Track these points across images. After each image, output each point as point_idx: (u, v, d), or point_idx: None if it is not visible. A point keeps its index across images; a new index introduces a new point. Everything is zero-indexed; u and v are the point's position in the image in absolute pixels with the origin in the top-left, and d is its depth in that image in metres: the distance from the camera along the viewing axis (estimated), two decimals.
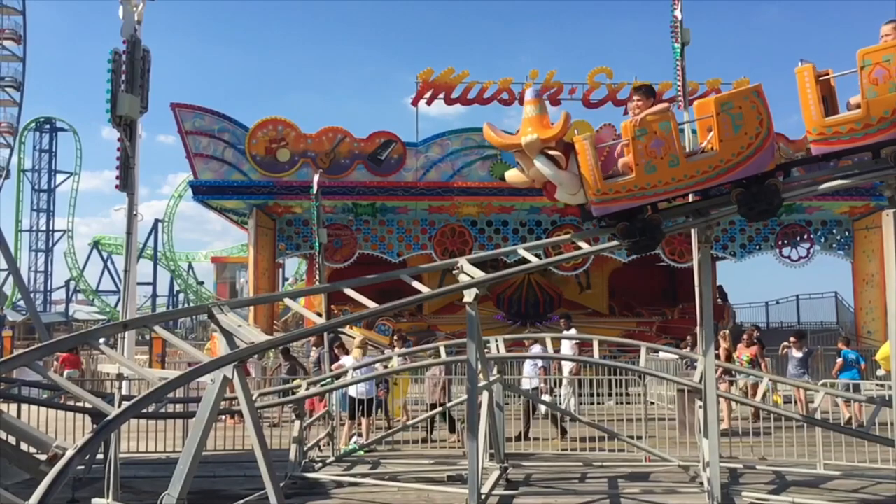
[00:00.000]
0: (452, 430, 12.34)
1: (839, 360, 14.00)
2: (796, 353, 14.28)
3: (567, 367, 14.18)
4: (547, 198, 7.43)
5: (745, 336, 14.98)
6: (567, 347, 14.62)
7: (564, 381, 14.06)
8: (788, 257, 21.50)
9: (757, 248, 21.49)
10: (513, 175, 7.32)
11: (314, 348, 14.83)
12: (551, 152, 6.78)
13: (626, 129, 6.60)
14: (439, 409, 11.85)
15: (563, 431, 12.16)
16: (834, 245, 21.66)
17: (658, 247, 7.30)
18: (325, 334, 12.25)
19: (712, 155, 6.45)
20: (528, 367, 12.96)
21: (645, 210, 6.87)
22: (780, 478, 9.46)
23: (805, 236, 21.49)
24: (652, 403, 14.21)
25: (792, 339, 14.69)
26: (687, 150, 6.98)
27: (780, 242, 21.40)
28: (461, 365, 12.38)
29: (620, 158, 6.88)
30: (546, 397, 12.49)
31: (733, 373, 12.78)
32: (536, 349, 12.83)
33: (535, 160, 6.79)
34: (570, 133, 7.15)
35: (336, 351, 13.16)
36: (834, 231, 21.63)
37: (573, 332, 14.69)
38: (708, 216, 7.22)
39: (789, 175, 6.96)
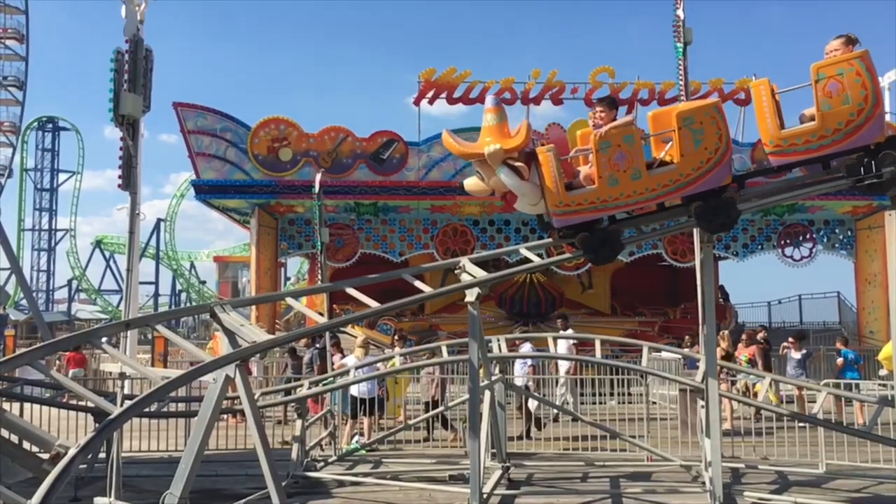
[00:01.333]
0: (446, 426, 12.36)
1: (839, 360, 13.99)
2: (794, 354, 14.26)
3: (563, 366, 14.19)
4: (507, 207, 7.43)
5: (743, 336, 14.96)
6: (563, 347, 14.61)
7: (560, 381, 14.06)
8: (791, 257, 21.46)
9: (759, 247, 21.46)
10: (472, 184, 7.20)
11: (306, 348, 14.84)
12: (514, 163, 6.72)
13: (591, 141, 6.64)
14: (441, 408, 11.85)
15: (538, 424, 12.24)
16: (836, 245, 21.62)
17: (616, 257, 7.27)
18: (327, 334, 12.26)
19: (673, 169, 6.54)
20: (518, 366, 12.94)
21: (603, 221, 6.93)
22: (783, 478, 9.45)
23: (807, 236, 21.45)
24: (654, 403, 14.20)
25: (791, 339, 14.67)
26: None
27: (782, 242, 21.36)
28: (461, 364, 12.40)
29: (582, 169, 6.91)
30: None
31: (733, 373, 12.77)
32: (526, 348, 12.83)
33: (498, 171, 6.71)
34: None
35: (332, 349, 13.18)
36: (836, 231, 21.58)
37: (570, 331, 14.69)
38: (664, 228, 7.31)
39: (743, 187, 7.03)
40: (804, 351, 14.30)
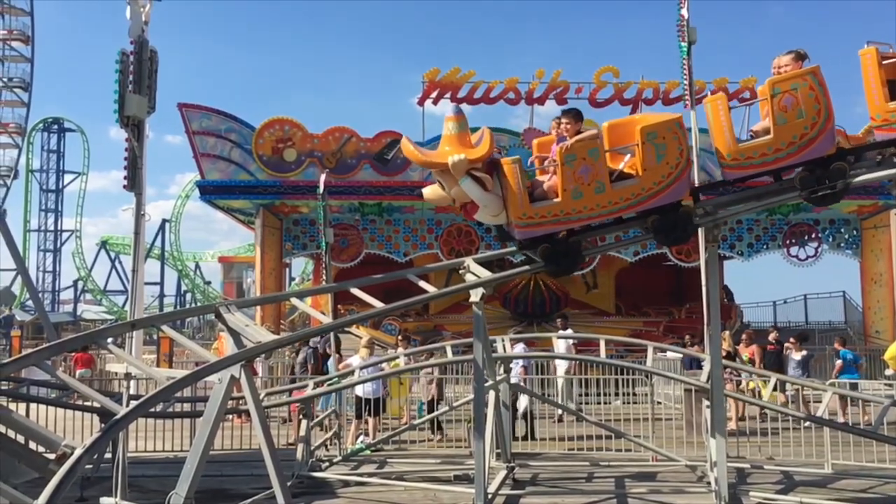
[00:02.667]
0: (439, 428, 12.37)
1: (838, 362, 13.95)
2: (795, 356, 14.21)
3: (562, 366, 14.20)
4: (465, 217, 7.43)
5: (743, 336, 14.92)
6: (563, 347, 14.59)
7: (559, 381, 14.07)
8: (796, 256, 21.42)
9: (764, 247, 21.42)
10: (432, 193, 7.10)
11: (301, 348, 14.86)
12: (478, 174, 6.64)
13: (557, 153, 6.64)
14: (446, 409, 11.86)
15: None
16: (842, 244, 21.56)
17: (576, 269, 7.27)
18: (333, 334, 12.28)
19: (635, 182, 6.60)
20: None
21: (571, 233, 6.92)
22: (788, 478, 9.43)
23: (813, 235, 21.41)
24: (659, 403, 14.18)
25: (791, 339, 14.62)
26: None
27: (787, 241, 21.32)
28: (463, 364, 12.40)
29: (542, 179, 6.90)
30: (524, 398, 12.42)
31: (738, 372, 12.74)
32: (519, 349, 12.81)
33: (461, 182, 6.61)
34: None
35: (329, 350, 13.22)
36: (842, 230, 21.53)
37: (570, 331, 14.68)
38: (626, 240, 7.33)
39: (698, 200, 7.08)
40: (804, 352, 14.23)
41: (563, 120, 7.02)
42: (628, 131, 6.92)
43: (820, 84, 6.29)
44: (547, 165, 6.98)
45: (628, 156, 6.69)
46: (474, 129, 6.86)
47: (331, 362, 12.99)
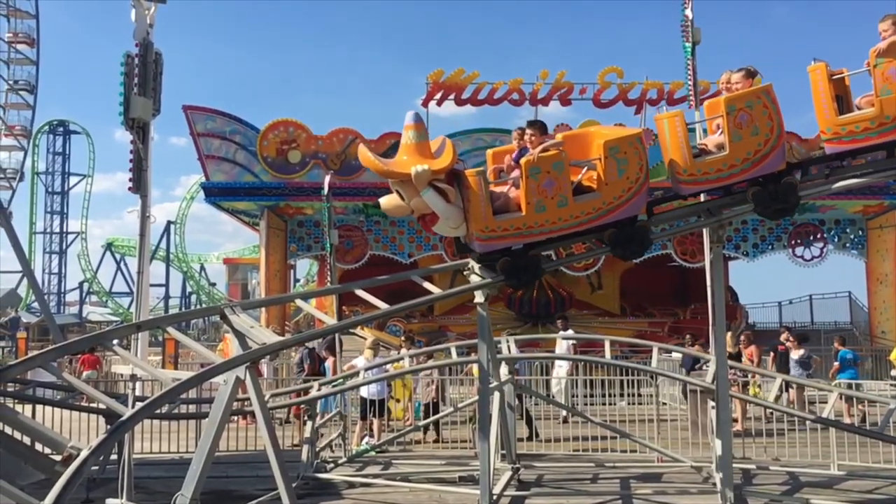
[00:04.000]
0: (435, 429, 12.37)
1: (836, 364, 13.92)
2: (793, 355, 14.17)
3: (564, 367, 14.20)
4: (424, 229, 7.40)
5: (742, 337, 14.88)
6: (563, 348, 14.57)
7: (553, 382, 14.08)
8: (801, 257, 21.37)
9: (770, 247, 21.37)
10: (389, 203, 6.91)
11: (298, 349, 14.88)
12: (440, 185, 6.50)
13: (521, 166, 6.58)
14: (450, 410, 11.85)
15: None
16: (847, 244, 21.50)
17: (535, 282, 7.24)
18: (335, 336, 12.28)
19: (597, 197, 6.60)
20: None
21: (529, 247, 6.84)
22: (794, 479, 9.40)
23: (818, 235, 21.35)
24: (664, 404, 14.15)
25: (791, 338, 14.59)
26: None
27: (793, 242, 21.27)
28: (466, 365, 12.39)
29: (499, 190, 6.81)
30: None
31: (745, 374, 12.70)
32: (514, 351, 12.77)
33: (423, 193, 6.46)
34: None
35: (324, 353, 13.24)
36: (847, 230, 21.47)
37: (571, 332, 14.67)
38: (585, 253, 7.32)
39: (651, 214, 7.08)
40: (802, 351, 14.18)
41: (529, 131, 6.96)
42: (583, 143, 6.98)
43: (773, 102, 6.47)
44: (508, 177, 6.89)
45: (585, 168, 6.69)
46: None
47: (328, 364, 13.02)
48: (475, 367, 12.57)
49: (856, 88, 6.68)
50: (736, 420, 11.85)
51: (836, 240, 21.45)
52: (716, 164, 6.57)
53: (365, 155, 6.69)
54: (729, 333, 13.94)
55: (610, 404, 13.56)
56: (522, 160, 6.64)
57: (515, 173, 6.88)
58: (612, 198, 6.57)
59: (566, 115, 29.35)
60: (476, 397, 12.53)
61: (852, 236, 21.48)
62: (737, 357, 13.13)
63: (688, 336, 16.10)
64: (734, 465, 8.31)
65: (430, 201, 6.50)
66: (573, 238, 7.01)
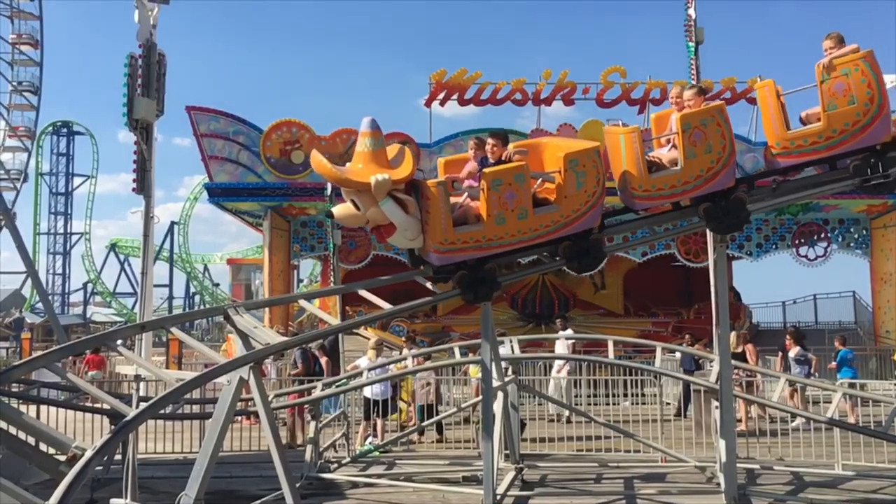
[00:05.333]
0: (440, 430, 12.37)
1: (832, 363, 13.89)
2: (790, 353, 14.15)
3: (564, 367, 14.20)
4: (378, 240, 7.33)
5: (733, 335, 14.84)
6: (561, 348, 14.56)
7: (552, 383, 14.09)
8: (805, 256, 21.32)
9: (773, 247, 21.32)
10: (343, 212, 6.61)
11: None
12: (401, 195, 6.33)
13: (483, 178, 6.52)
14: (453, 410, 11.85)
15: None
16: (851, 244, 21.44)
17: (492, 296, 7.12)
18: (340, 336, 12.30)
19: (556, 210, 6.58)
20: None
21: (484, 260, 6.76)
22: (798, 478, 9.39)
23: (822, 235, 21.30)
24: (668, 404, 14.14)
25: (787, 336, 14.57)
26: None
27: (796, 241, 21.22)
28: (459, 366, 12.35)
29: (458, 202, 6.71)
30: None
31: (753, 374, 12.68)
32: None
33: (382, 203, 6.25)
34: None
35: (317, 352, 13.28)
36: (851, 230, 21.41)
37: (569, 331, 14.66)
38: (539, 266, 7.44)
39: (603, 227, 7.09)
40: (797, 349, 14.13)
41: (491, 141, 6.90)
42: (534, 154, 6.98)
43: (726, 121, 6.62)
44: (468, 189, 6.76)
45: (540, 179, 6.68)
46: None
47: (323, 363, 13.06)
48: (472, 368, 12.61)
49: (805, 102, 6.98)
50: (740, 420, 11.83)
51: (840, 239, 21.39)
52: (671, 181, 6.71)
53: (319, 161, 6.45)
54: (734, 333, 13.93)
55: (613, 404, 13.54)
56: (484, 171, 6.53)
57: (467, 183, 6.81)
58: (571, 211, 6.57)
59: (569, 115, 29.28)
60: (475, 397, 12.62)
61: (856, 236, 21.41)
62: (741, 357, 13.11)
63: (686, 336, 16.09)
64: (738, 464, 8.30)
65: (390, 212, 6.32)
66: (528, 251, 6.94)
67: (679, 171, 6.62)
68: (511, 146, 7.15)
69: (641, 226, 7.71)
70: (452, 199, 6.74)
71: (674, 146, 6.87)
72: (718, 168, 6.60)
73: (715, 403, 8.86)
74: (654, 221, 7.57)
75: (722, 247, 7.85)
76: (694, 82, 10.82)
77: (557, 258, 7.02)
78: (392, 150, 6.54)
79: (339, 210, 6.66)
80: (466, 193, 6.75)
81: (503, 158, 6.90)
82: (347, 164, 6.55)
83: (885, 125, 6.54)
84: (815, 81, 6.58)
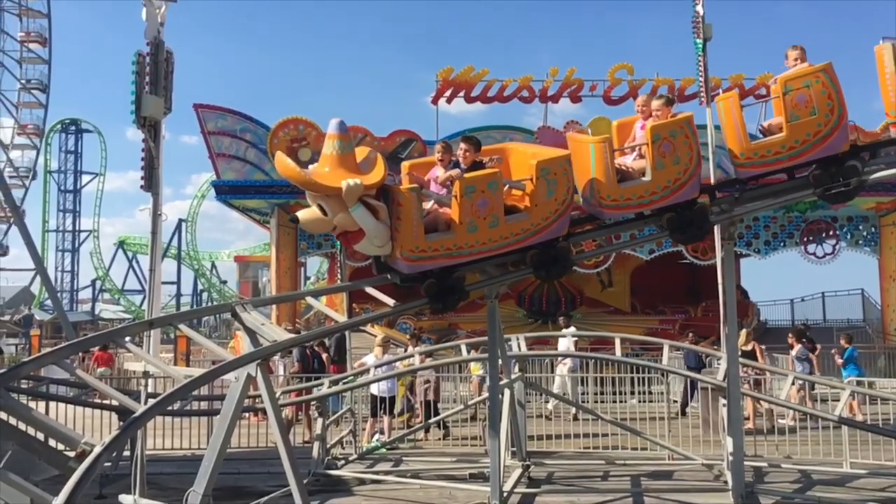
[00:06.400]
0: (441, 426, 12.38)
1: (840, 360, 13.84)
2: (792, 351, 14.11)
3: (565, 365, 14.18)
4: (344, 245, 7.19)
5: (745, 333, 14.81)
6: (564, 345, 14.55)
7: (556, 381, 14.07)
8: (814, 254, 21.24)
9: (782, 244, 21.24)
10: (308, 217, 6.28)
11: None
12: (372, 201, 6.08)
13: (455, 186, 6.36)
14: (460, 408, 11.87)
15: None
16: (860, 241, 21.34)
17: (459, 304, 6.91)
18: (347, 333, 12.31)
19: (526, 218, 6.51)
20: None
21: (452, 269, 6.55)
22: (806, 476, 9.37)
23: (831, 232, 21.21)
24: (675, 401, 14.11)
25: (790, 334, 14.51)
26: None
27: (805, 239, 21.14)
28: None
29: (431, 207, 6.50)
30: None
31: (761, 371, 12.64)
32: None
33: (353, 209, 6.00)
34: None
35: (317, 349, 13.31)
36: (860, 227, 21.31)
37: (572, 329, 14.65)
38: (506, 275, 7.28)
39: (570, 235, 7.05)
40: (799, 346, 14.10)
41: (463, 146, 6.78)
42: (506, 154, 6.95)
43: (693, 133, 6.66)
44: (439, 196, 6.55)
45: (507, 186, 6.58)
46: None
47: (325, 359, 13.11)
48: (473, 365, 12.61)
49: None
50: (747, 418, 11.80)
51: (848, 237, 21.30)
52: (639, 191, 6.68)
53: (283, 163, 6.14)
54: (744, 331, 13.88)
55: (621, 402, 13.53)
56: (458, 179, 6.33)
57: (437, 189, 6.66)
58: (541, 219, 6.50)
59: (576, 113, 29.27)
60: (475, 394, 12.63)
61: (865, 233, 21.31)
62: (752, 354, 13.07)
63: (689, 334, 16.06)
64: (746, 462, 8.29)
65: (360, 218, 6.06)
66: (495, 260, 6.80)
67: (648, 181, 6.64)
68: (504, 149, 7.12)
69: (604, 234, 7.79)
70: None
71: (640, 155, 6.88)
72: (685, 179, 6.66)
73: (722, 401, 8.84)
74: (616, 230, 7.62)
75: (730, 244, 7.83)
76: (702, 76, 10.72)
77: (524, 266, 6.91)
78: (361, 152, 6.34)
79: (304, 215, 6.31)
80: (433, 200, 6.52)
81: (479, 162, 6.77)
82: (311, 167, 6.31)
83: (844, 135, 6.71)
84: (781, 91, 6.68)
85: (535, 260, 6.75)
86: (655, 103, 7.06)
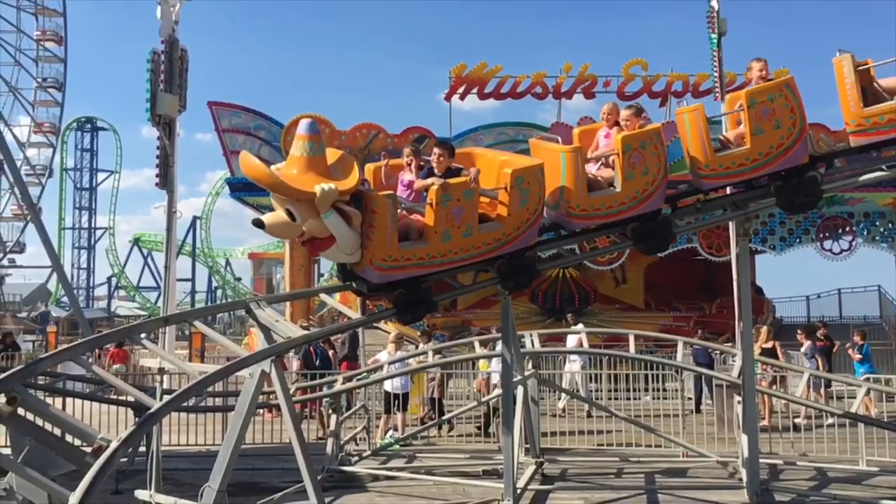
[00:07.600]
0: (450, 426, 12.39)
1: (857, 356, 13.73)
2: (801, 349, 14.00)
3: (575, 362, 14.16)
4: (310, 253, 7.02)
5: (766, 330, 14.73)
6: (572, 342, 14.52)
7: (567, 377, 14.05)
8: (830, 250, 21.04)
9: (797, 241, 21.05)
10: (275, 221, 5.93)
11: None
12: (345, 208, 5.83)
13: (431, 193, 6.18)
14: (473, 404, 11.86)
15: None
16: (877, 237, 21.13)
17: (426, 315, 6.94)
18: (360, 329, 12.34)
19: (499, 227, 6.42)
20: (494, 364, 12.78)
21: (421, 279, 6.40)
22: (822, 474, 9.31)
23: (847, 228, 21.01)
24: (689, 399, 14.06)
25: (798, 330, 14.40)
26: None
27: (821, 235, 20.94)
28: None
29: (402, 212, 6.28)
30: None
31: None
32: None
33: (325, 215, 5.74)
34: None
35: (323, 346, 13.34)
36: (877, 223, 21.10)
37: (580, 326, 14.62)
38: (473, 285, 7.25)
39: (533, 248, 6.92)
40: (808, 343, 13.98)
41: (437, 151, 6.55)
42: (466, 165, 6.77)
43: (662, 143, 6.70)
44: (411, 204, 6.38)
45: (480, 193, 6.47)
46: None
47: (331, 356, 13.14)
48: (481, 362, 12.60)
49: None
50: (763, 416, 11.73)
51: (865, 233, 21.09)
52: (608, 201, 6.68)
53: (250, 163, 5.86)
54: (764, 328, 13.77)
55: (635, 399, 13.49)
56: (435, 187, 6.11)
57: (401, 191, 6.49)
58: (512, 228, 6.42)
59: (590, 108, 29.13)
60: (483, 392, 12.61)
61: (882, 229, 21.10)
62: (772, 352, 12.97)
63: (699, 331, 15.99)
64: (761, 460, 8.25)
65: (333, 225, 5.80)
66: (464, 269, 6.68)
67: (617, 192, 6.64)
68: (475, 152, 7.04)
69: (570, 242, 7.76)
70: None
71: (605, 164, 6.85)
72: (652, 190, 6.68)
73: (737, 398, 8.80)
74: (582, 238, 7.57)
75: (745, 241, 7.79)
76: (717, 72, 10.67)
77: (493, 276, 6.82)
78: (332, 155, 6.07)
79: (270, 219, 5.94)
80: (404, 207, 6.30)
81: (452, 168, 6.57)
82: (277, 166, 6.03)
83: (805, 147, 6.81)
84: (750, 102, 6.70)
85: (504, 269, 6.67)
86: (625, 113, 6.98)
